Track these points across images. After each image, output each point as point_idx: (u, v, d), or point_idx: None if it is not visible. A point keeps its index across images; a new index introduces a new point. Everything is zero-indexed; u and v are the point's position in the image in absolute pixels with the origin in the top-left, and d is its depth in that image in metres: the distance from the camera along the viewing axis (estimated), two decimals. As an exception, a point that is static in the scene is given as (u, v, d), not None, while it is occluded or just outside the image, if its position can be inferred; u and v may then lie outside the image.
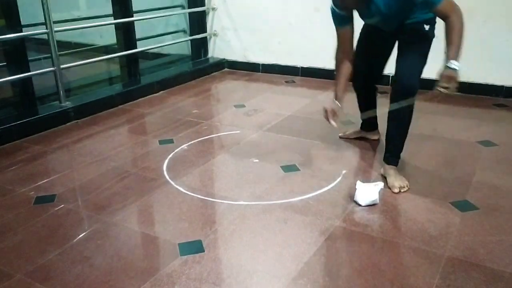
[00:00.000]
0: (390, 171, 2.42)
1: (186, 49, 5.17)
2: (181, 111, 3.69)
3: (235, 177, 2.55)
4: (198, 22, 4.97)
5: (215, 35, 5.03)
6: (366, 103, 2.84)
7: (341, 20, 2.42)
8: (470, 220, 2.09)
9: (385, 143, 2.50)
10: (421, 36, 2.34)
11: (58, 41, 3.39)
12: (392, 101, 2.35)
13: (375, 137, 2.97)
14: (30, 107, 3.45)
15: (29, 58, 3.44)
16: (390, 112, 2.37)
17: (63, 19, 4.50)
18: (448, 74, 2.08)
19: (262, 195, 2.35)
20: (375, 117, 2.89)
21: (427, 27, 2.33)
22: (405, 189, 2.34)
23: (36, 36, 3.81)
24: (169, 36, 5.22)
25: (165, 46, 4.98)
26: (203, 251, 1.91)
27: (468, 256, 1.84)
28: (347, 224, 2.08)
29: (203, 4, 4.91)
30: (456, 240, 1.95)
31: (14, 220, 2.19)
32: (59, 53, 3.45)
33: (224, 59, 5.04)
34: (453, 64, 2.07)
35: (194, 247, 1.93)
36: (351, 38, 2.46)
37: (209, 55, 5.14)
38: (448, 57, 2.10)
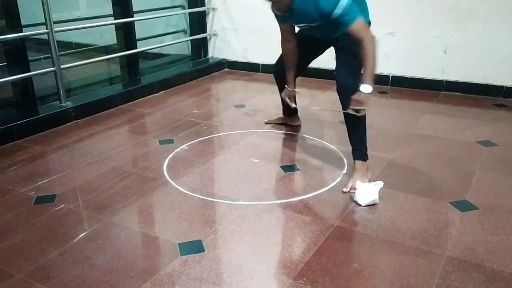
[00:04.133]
0: (357, 165, 2.46)
1: (186, 49, 5.17)
2: (181, 111, 3.69)
3: (235, 177, 2.55)
4: (198, 22, 4.97)
5: (215, 35, 5.04)
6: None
7: (280, 18, 2.61)
8: (470, 220, 2.09)
9: (349, 140, 2.54)
10: (350, 45, 2.37)
11: (58, 41, 3.40)
12: (340, 102, 2.47)
13: (297, 123, 3.26)
14: (30, 107, 3.45)
15: (30, 58, 3.44)
16: (344, 114, 2.45)
17: (63, 19, 4.51)
18: (359, 99, 2.24)
19: (262, 195, 2.35)
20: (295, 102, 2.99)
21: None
22: (365, 182, 2.37)
23: (36, 36, 3.81)
24: (169, 36, 5.23)
25: (165, 46, 4.98)
26: (203, 251, 1.91)
27: (468, 256, 1.84)
28: (347, 224, 2.08)
29: (203, 4, 4.91)
30: (456, 240, 1.95)
31: (14, 220, 2.19)
32: (59, 53, 3.45)
33: (224, 59, 5.04)
34: (364, 87, 2.22)
35: (194, 247, 1.94)
36: (291, 31, 2.72)
37: (209, 55, 5.14)
38: (359, 81, 2.24)
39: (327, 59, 4.51)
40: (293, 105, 2.88)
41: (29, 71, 3.38)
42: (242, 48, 4.92)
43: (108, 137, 3.21)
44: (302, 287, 1.70)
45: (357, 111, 2.29)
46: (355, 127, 2.47)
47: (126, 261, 1.86)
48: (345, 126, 2.51)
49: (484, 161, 2.66)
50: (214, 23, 5.01)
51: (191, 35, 5.03)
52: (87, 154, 2.91)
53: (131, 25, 4.19)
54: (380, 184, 2.27)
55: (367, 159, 2.48)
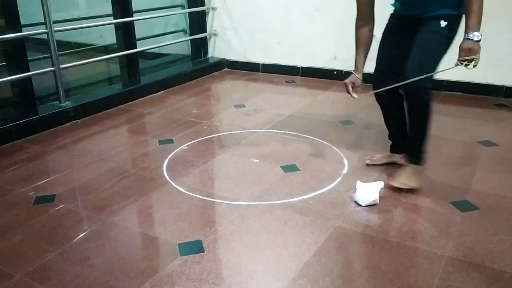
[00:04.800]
0: (407, 168, 2.34)
1: (186, 49, 5.17)
2: (181, 111, 3.69)
3: (235, 177, 2.55)
4: (198, 22, 4.97)
5: (215, 35, 5.03)
6: (393, 117, 2.55)
7: None
8: (470, 220, 2.09)
9: (410, 139, 2.35)
10: (437, 33, 2.18)
11: (57, 41, 3.39)
12: (405, 98, 2.27)
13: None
14: (30, 107, 3.44)
15: (29, 58, 3.43)
16: (407, 109, 2.27)
17: (63, 19, 4.50)
18: (467, 46, 1.97)
19: (262, 195, 2.35)
20: (406, 137, 2.51)
21: (443, 24, 2.16)
22: (405, 187, 2.28)
23: (35, 36, 3.81)
24: (169, 36, 5.22)
25: (165, 46, 4.98)
26: (203, 251, 1.91)
27: (468, 256, 1.84)
28: (347, 224, 2.08)
29: (203, 4, 4.91)
30: (456, 240, 1.94)
31: (14, 220, 2.19)
32: (59, 53, 3.45)
33: (224, 59, 5.04)
34: (472, 34, 1.96)
35: (194, 247, 1.93)
36: (370, 3, 2.43)
37: (209, 55, 5.14)
38: (467, 27, 1.98)
39: (327, 59, 4.53)
40: (355, 96, 2.41)
41: (29, 71, 3.38)
42: (242, 48, 4.91)
43: (107, 137, 3.20)
44: (302, 287, 1.70)
45: (468, 62, 2.00)
46: (418, 124, 2.25)
47: (126, 262, 1.86)
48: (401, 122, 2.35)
49: (484, 161, 2.66)
50: (214, 23, 5.00)
51: (191, 35, 5.02)
52: (87, 154, 2.90)
53: (130, 24, 4.18)
54: (380, 184, 2.27)
55: (423, 163, 2.31)
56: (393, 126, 2.57)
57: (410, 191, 2.33)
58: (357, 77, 2.43)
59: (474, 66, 2.02)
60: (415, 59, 2.18)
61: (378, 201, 2.22)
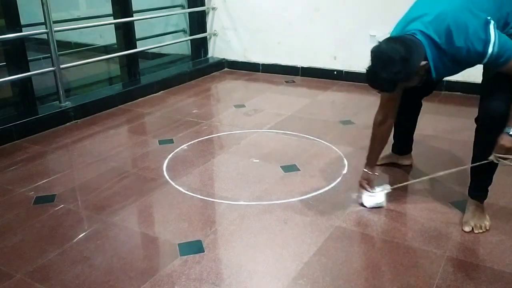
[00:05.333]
0: (471, 206, 2.08)
1: (186, 49, 5.16)
2: (181, 111, 3.69)
3: (235, 177, 2.55)
4: (198, 22, 4.97)
5: (215, 35, 5.03)
6: (406, 122, 2.48)
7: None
8: (470, 220, 2.09)
9: (470, 172, 2.10)
10: None
11: (57, 41, 3.39)
12: (477, 123, 2.03)
13: (408, 162, 2.61)
14: (30, 107, 3.44)
15: (29, 58, 3.44)
16: (476, 138, 2.03)
17: (63, 18, 4.50)
18: (504, 142, 1.82)
19: (262, 195, 2.35)
20: (411, 139, 2.56)
21: None
22: (481, 230, 1.99)
23: (36, 36, 3.81)
24: (169, 36, 5.22)
25: (165, 46, 4.98)
26: (203, 251, 1.91)
27: (468, 256, 1.84)
28: (347, 224, 2.08)
29: (203, 4, 4.91)
30: (456, 240, 1.95)
31: (14, 220, 2.19)
32: (59, 53, 3.45)
33: (224, 59, 5.04)
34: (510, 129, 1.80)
35: (194, 247, 1.93)
36: (397, 100, 2.12)
37: (209, 55, 5.14)
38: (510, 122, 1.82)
39: (327, 59, 4.53)
40: (372, 191, 2.21)
41: (29, 71, 3.38)
42: (242, 48, 4.91)
43: (107, 137, 3.20)
44: (302, 287, 1.70)
45: (503, 159, 1.84)
46: (486, 156, 1.95)
47: (126, 262, 1.86)
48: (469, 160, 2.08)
49: (484, 161, 2.66)
50: (214, 23, 5.00)
51: (191, 35, 5.02)
52: (87, 154, 2.90)
53: (130, 24, 4.18)
54: (387, 187, 2.23)
55: (486, 198, 2.10)
56: (403, 127, 2.50)
57: (410, 191, 2.33)
58: (369, 174, 2.23)
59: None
60: (493, 88, 1.94)
61: (384, 204, 2.18)
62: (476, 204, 2.07)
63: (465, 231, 2.00)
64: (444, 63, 1.85)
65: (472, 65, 1.87)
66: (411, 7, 2.03)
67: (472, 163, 2.06)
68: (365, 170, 2.25)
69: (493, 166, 2.01)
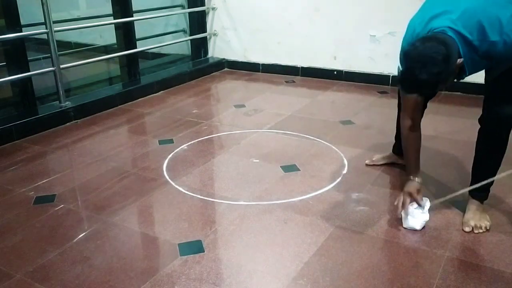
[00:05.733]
0: (471, 205, 2.07)
1: (186, 49, 5.17)
2: (181, 111, 3.69)
3: (235, 177, 2.55)
4: (198, 22, 4.97)
5: (215, 35, 5.03)
6: None
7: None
8: (470, 220, 2.09)
9: (471, 172, 2.11)
10: None
11: (57, 41, 3.39)
12: (481, 125, 2.03)
13: None
14: (30, 107, 3.44)
15: (29, 58, 3.43)
16: (479, 139, 2.05)
17: (63, 18, 4.50)
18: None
19: (262, 195, 2.35)
20: None
21: None
22: (481, 231, 1.98)
23: (36, 36, 3.81)
24: (169, 36, 5.22)
25: (165, 46, 4.98)
26: (203, 251, 1.91)
27: (468, 256, 1.84)
28: (347, 224, 2.08)
29: (203, 4, 4.91)
30: (456, 240, 1.94)
31: (14, 220, 2.19)
32: (59, 53, 3.45)
33: (224, 59, 5.04)
34: None
35: (194, 247, 1.93)
36: (422, 103, 2.08)
37: (209, 55, 5.14)
38: None
39: (327, 59, 4.53)
40: (425, 204, 2.06)
41: (29, 71, 3.37)
42: (242, 48, 4.91)
43: (107, 137, 3.20)
44: (302, 287, 1.70)
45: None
46: (489, 157, 2.01)
47: (126, 262, 1.86)
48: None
49: (484, 161, 2.66)
50: (214, 23, 5.00)
51: (191, 35, 5.02)
52: (87, 154, 2.90)
53: (130, 24, 4.18)
54: (427, 204, 2.06)
55: (487, 199, 2.10)
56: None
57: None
58: (416, 182, 2.06)
59: None
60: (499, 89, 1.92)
61: (428, 218, 2.04)
62: (476, 204, 2.07)
63: (465, 231, 1.99)
64: (473, 60, 1.80)
65: (507, 59, 1.79)
66: (424, 5, 1.95)
67: (474, 165, 2.07)
68: (412, 179, 2.06)
69: (495, 167, 2.01)
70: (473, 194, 2.10)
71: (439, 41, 1.71)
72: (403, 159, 2.59)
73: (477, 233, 1.98)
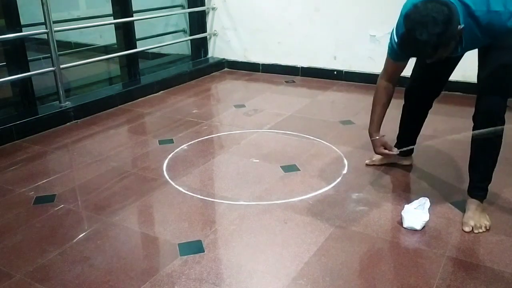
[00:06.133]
0: (471, 205, 2.06)
1: (186, 49, 5.17)
2: (181, 111, 3.69)
3: (235, 177, 2.55)
4: (198, 22, 4.96)
5: (215, 35, 5.03)
6: (413, 124, 2.49)
7: (400, 57, 2.06)
8: (470, 220, 2.09)
9: (468, 171, 2.12)
10: None
11: (57, 41, 3.39)
12: (474, 122, 2.00)
13: (408, 163, 2.60)
14: (30, 107, 3.44)
15: (29, 58, 3.44)
16: (473, 136, 2.02)
17: (63, 18, 4.50)
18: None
19: (262, 195, 2.35)
20: (414, 142, 2.53)
21: None
22: (481, 230, 1.98)
23: (36, 36, 3.81)
24: (169, 36, 5.22)
25: (165, 46, 4.98)
26: (203, 251, 1.91)
27: (468, 256, 1.84)
28: (347, 224, 2.08)
29: (203, 4, 4.91)
30: (456, 240, 1.94)
31: (14, 220, 2.19)
32: (59, 53, 3.45)
33: (224, 59, 5.04)
34: None
35: (194, 247, 1.93)
36: (401, 71, 2.16)
37: (209, 55, 5.14)
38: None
39: (327, 59, 4.53)
40: (395, 151, 2.25)
41: (29, 71, 3.38)
42: (242, 48, 4.91)
43: (107, 137, 3.20)
44: (302, 287, 1.69)
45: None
46: (485, 154, 2.01)
47: (126, 262, 1.86)
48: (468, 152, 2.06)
49: (484, 161, 2.66)
50: (214, 23, 5.00)
51: (191, 35, 5.02)
52: (87, 154, 2.90)
53: (130, 24, 4.18)
54: (427, 203, 2.08)
55: (485, 197, 2.10)
56: (408, 128, 2.50)
57: (410, 191, 2.33)
58: (381, 139, 2.22)
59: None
60: (490, 78, 1.96)
61: (428, 218, 2.04)
62: (476, 203, 2.07)
63: (465, 231, 1.99)
64: (472, 33, 1.77)
65: (508, 31, 1.77)
66: None
67: (470, 162, 2.09)
68: (376, 138, 2.20)
69: (492, 164, 2.03)
70: (472, 193, 2.10)
71: (441, 3, 1.68)
72: (403, 160, 2.59)
73: (477, 233, 1.98)
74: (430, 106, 2.42)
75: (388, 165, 2.61)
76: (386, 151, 2.22)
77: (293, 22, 4.51)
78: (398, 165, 2.60)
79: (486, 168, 2.04)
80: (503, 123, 1.93)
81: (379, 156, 2.61)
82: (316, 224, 2.08)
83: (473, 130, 2.00)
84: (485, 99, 1.94)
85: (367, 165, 2.62)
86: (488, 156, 2.03)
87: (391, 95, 2.21)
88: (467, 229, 1.99)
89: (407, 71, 2.25)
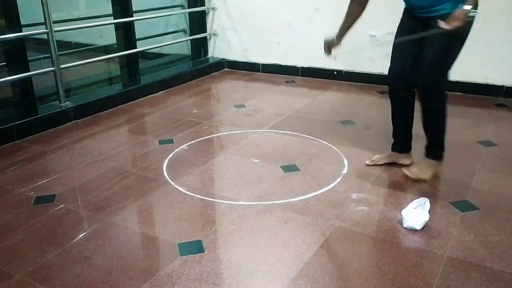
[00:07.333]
0: (424, 161, 2.45)
1: (186, 49, 5.17)
2: (181, 111, 3.69)
3: (235, 177, 2.55)
4: (198, 22, 4.97)
5: (215, 35, 5.03)
6: (402, 115, 2.55)
7: None
8: (471, 220, 2.09)
9: (426, 137, 2.47)
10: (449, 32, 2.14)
11: (57, 41, 3.39)
12: (419, 99, 2.37)
13: (408, 162, 2.60)
14: (30, 107, 3.44)
15: (29, 58, 3.44)
16: (422, 109, 2.39)
17: (63, 19, 4.50)
18: (454, 14, 2.07)
19: (262, 195, 2.35)
20: (411, 134, 2.58)
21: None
22: (414, 176, 2.40)
23: (36, 36, 3.81)
24: (169, 36, 5.22)
25: (165, 46, 4.98)
26: (203, 251, 1.91)
27: (468, 256, 1.84)
28: (347, 224, 2.08)
29: (203, 4, 4.91)
30: (457, 240, 1.94)
31: (14, 220, 2.19)
32: (59, 53, 3.45)
33: (224, 59, 5.04)
34: (464, 5, 2.06)
35: (194, 247, 1.93)
36: None
37: (209, 55, 5.14)
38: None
39: (327, 59, 4.52)
40: (330, 56, 2.68)
41: (29, 71, 3.38)
42: (242, 48, 4.91)
43: (107, 137, 3.20)
44: (302, 287, 1.69)
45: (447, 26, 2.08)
46: (435, 124, 2.42)
47: (126, 261, 1.86)
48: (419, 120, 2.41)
49: (484, 161, 2.66)
50: (214, 23, 5.00)
51: (191, 35, 5.03)
52: (87, 154, 2.90)
53: (130, 24, 4.18)
54: (427, 204, 2.10)
55: (440, 158, 2.46)
56: (401, 124, 2.57)
57: (410, 191, 2.34)
58: (334, 40, 2.60)
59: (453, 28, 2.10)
60: (430, 59, 2.27)
61: (428, 218, 2.05)
62: (429, 161, 2.43)
63: (405, 173, 2.40)
64: None
65: None
66: None
67: (426, 146, 2.45)
68: (330, 40, 2.60)
69: (442, 131, 2.41)
70: (428, 154, 2.44)
71: None
72: (403, 159, 2.60)
73: (414, 178, 2.38)
74: (413, 93, 2.48)
75: (388, 165, 2.61)
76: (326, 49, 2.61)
77: (293, 22, 4.51)
78: (398, 165, 2.60)
79: (438, 134, 2.42)
80: (444, 97, 2.38)
81: (379, 156, 2.65)
82: (316, 224, 2.08)
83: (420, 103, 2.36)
84: (423, 71, 2.29)
85: (367, 165, 2.63)
86: (439, 126, 2.41)
87: (358, 12, 2.50)
88: (407, 172, 2.41)
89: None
